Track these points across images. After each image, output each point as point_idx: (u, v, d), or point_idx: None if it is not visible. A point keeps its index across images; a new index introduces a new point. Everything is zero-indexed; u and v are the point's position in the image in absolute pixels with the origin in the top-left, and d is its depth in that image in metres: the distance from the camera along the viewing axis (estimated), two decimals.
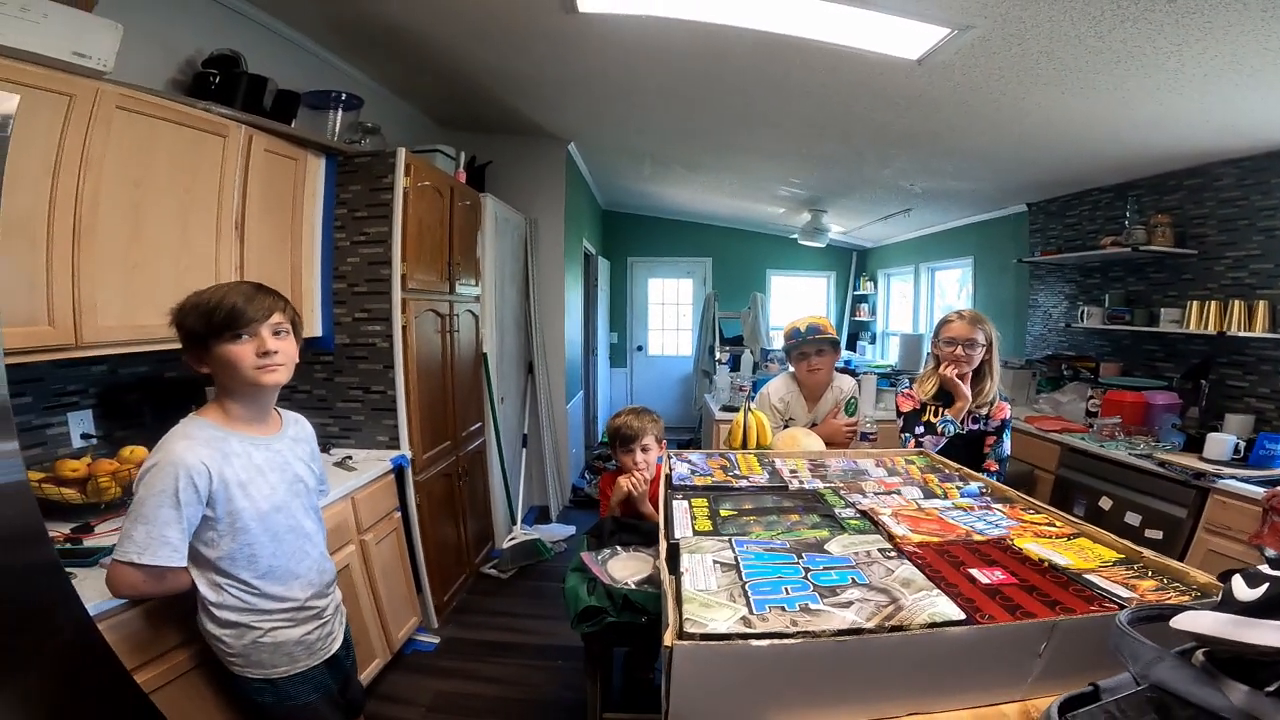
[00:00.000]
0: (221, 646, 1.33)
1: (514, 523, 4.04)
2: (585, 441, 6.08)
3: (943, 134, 3.26)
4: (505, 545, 3.75)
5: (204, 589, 1.29)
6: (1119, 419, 3.08)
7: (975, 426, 2.16)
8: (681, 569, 0.99)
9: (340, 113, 2.67)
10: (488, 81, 3.36)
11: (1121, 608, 0.86)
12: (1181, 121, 2.65)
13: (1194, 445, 2.69)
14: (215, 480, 1.24)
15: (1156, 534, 2.54)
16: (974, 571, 0.99)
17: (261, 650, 1.35)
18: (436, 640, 2.82)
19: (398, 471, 2.61)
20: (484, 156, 3.96)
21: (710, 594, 0.91)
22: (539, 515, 4.54)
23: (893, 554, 1.05)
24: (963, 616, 0.84)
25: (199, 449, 1.24)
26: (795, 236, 6.20)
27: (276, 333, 1.31)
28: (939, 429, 2.11)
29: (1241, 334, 2.81)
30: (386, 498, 2.53)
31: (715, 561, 1.02)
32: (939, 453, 1.92)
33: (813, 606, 0.87)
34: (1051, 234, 4.30)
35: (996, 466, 2.10)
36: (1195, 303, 3.03)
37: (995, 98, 2.62)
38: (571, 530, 4.24)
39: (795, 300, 7.71)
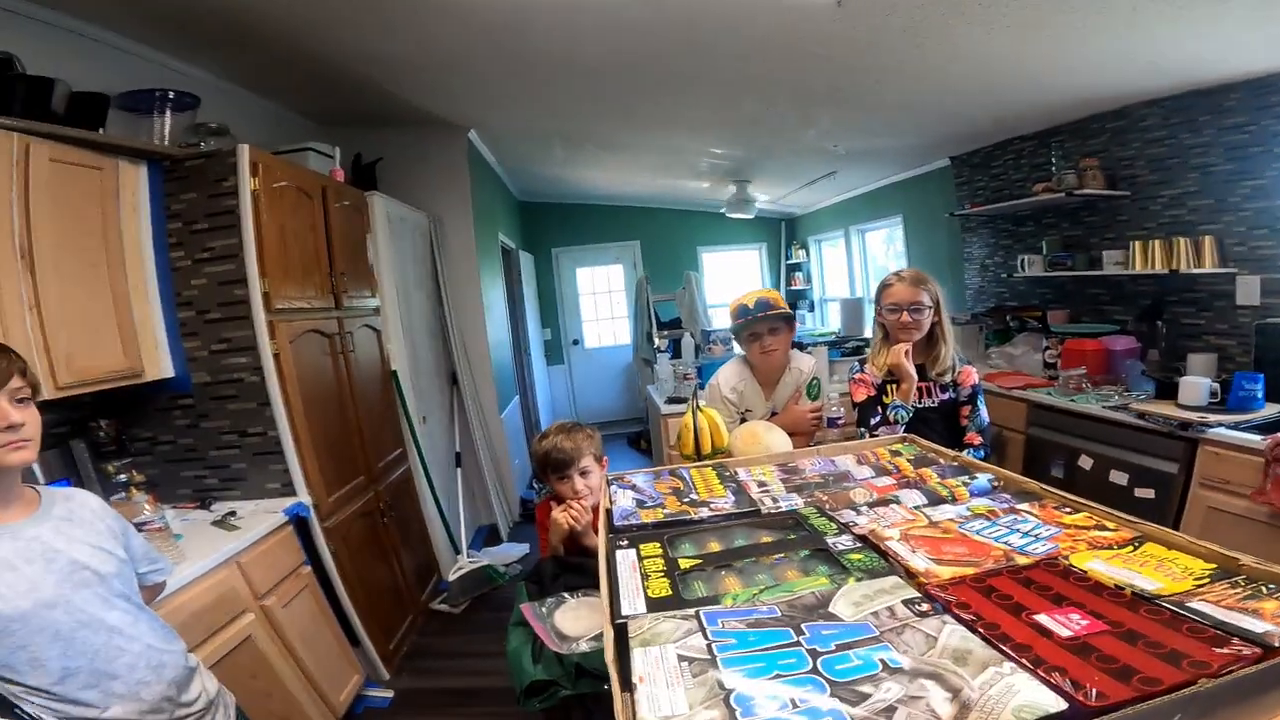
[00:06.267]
0: None
1: (458, 551, 3.65)
2: (529, 449, 5.71)
3: (865, 87, 3.07)
4: (452, 577, 3.39)
5: None
6: (1083, 369, 2.93)
7: (946, 397, 1.94)
8: (634, 678, 0.68)
9: (169, 115, 2.26)
10: (364, 69, 2.95)
11: (1266, 651, 0.59)
12: (1106, 62, 2.58)
13: (1166, 392, 2.54)
14: None
15: (1148, 493, 2.36)
16: (1043, 619, 0.70)
17: None
18: (390, 694, 2.55)
19: (297, 522, 2.23)
20: (373, 153, 3.55)
21: None
22: (489, 536, 4.17)
23: (923, 604, 0.76)
24: (1064, 706, 0.56)
25: None
26: (723, 210, 6.02)
27: (19, 400, 1.11)
28: (890, 416, 1.89)
29: (1192, 270, 2.72)
30: (287, 553, 2.17)
31: (680, 657, 0.70)
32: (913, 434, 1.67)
33: None
34: (978, 186, 4.22)
35: (979, 439, 1.88)
36: (1138, 243, 2.94)
37: (919, 41, 2.45)
38: (525, 549, 3.90)
39: (730, 275, 7.54)
